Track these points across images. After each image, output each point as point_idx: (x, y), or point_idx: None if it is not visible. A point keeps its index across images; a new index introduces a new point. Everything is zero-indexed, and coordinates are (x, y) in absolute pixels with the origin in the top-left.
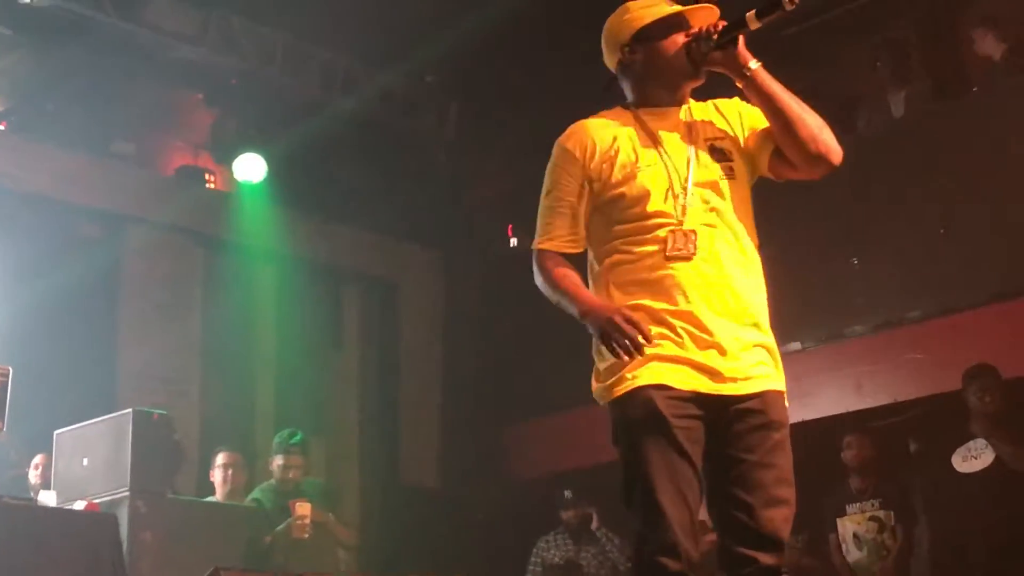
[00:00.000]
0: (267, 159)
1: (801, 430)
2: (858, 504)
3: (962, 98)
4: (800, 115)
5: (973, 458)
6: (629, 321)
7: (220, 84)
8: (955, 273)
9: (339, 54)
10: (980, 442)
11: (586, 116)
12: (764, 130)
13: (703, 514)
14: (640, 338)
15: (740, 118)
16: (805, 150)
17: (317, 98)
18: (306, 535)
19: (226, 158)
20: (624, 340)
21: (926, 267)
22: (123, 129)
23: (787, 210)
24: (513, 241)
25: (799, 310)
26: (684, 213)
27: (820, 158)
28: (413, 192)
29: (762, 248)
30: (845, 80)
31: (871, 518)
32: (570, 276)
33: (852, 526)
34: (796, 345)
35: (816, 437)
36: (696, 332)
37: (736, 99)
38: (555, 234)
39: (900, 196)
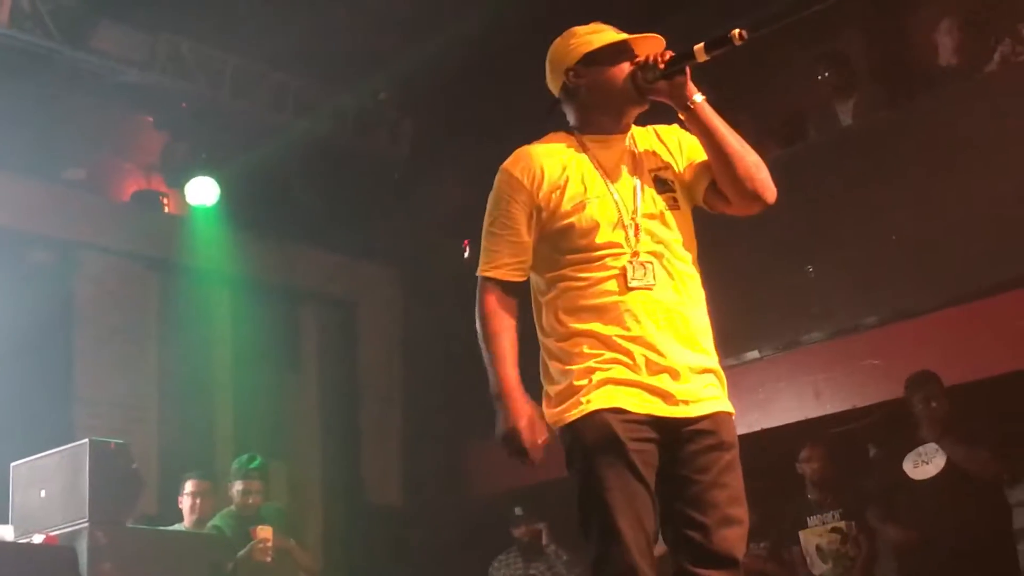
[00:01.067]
0: (220, 182)
1: (761, 438)
2: (819, 516)
3: (910, 105)
4: (739, 152)
5: (924, 463)
6: (532, 435)
7: (170, 107)
8: (909, 279)
9: (289, 74)
10: (931, 447)
11: (537, 133)
12: (702, 162)
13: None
14: (529, 457)
15: (680, 147)
16: (741, 187)
17: (268, 119)
18: (268, 558)
19: (178, 182)
20: (519, 451)
21: (880, 274)
22: (74, 155)
23: (741, 220)
24: (467, 252)
25: (756, 319)
26: (637, 243)
27: (755, 196)
28: (368, 211)
29: (717, 258)
30: (793, 90)
31: (832, 530)
32: (504, 337)
33: (815, 539)
34: (754, 354)
35: (776, 445)
36: (649, 356)
37: (675, 126)
38: (501, 262)
39: (852, 204)
